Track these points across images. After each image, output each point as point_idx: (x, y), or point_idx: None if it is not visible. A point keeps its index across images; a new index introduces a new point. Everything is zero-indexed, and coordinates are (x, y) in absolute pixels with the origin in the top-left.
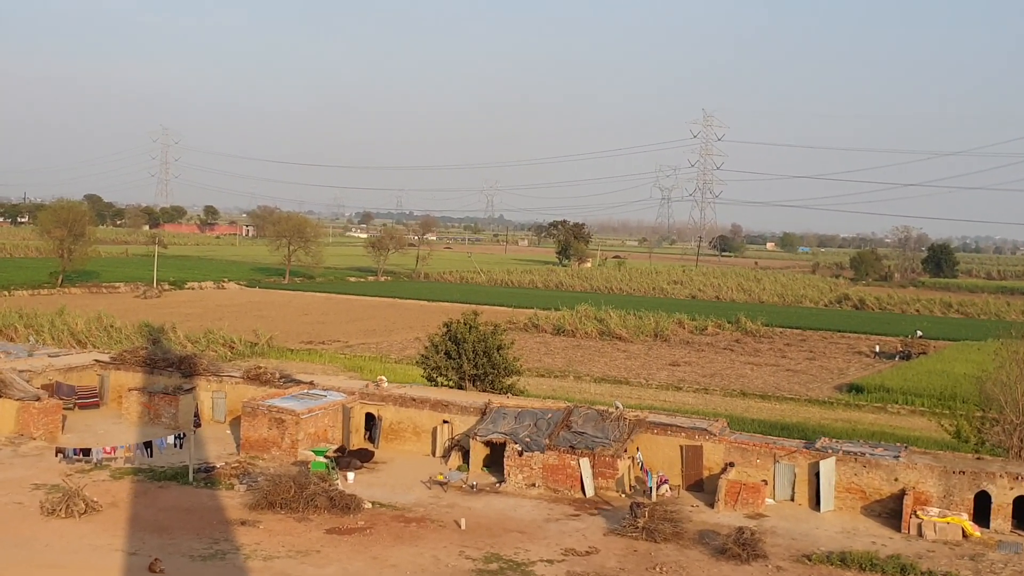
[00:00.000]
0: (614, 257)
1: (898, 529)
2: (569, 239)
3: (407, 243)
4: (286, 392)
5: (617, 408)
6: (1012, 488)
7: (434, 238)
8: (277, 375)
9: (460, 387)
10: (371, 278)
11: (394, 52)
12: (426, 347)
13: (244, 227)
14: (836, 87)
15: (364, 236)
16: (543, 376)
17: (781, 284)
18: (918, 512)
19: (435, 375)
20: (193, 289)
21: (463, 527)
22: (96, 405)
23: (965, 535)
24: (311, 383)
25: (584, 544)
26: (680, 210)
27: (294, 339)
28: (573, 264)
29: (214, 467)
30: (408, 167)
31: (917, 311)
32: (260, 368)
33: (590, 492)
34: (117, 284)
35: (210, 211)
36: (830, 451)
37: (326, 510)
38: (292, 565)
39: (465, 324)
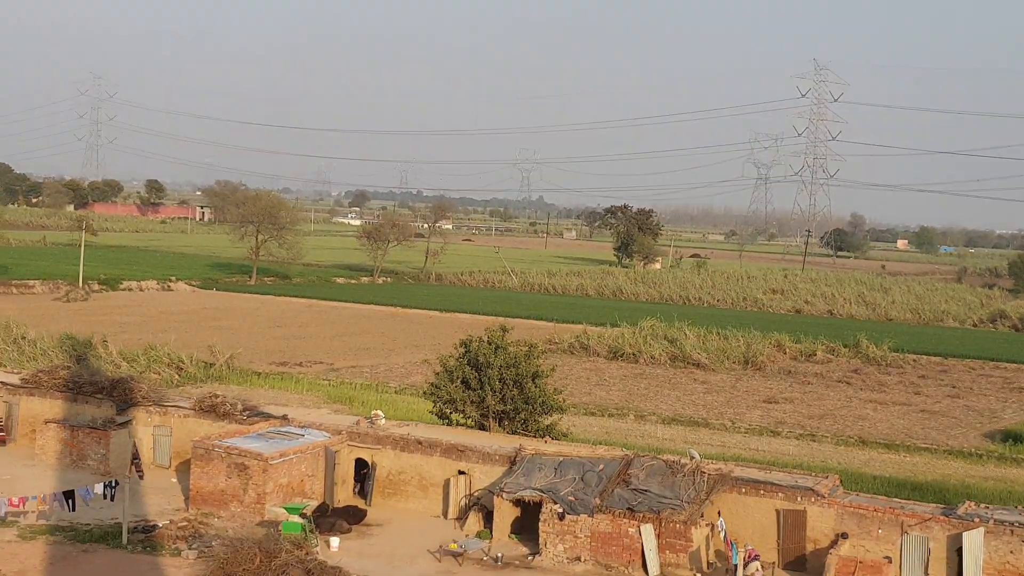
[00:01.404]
0: (692, 256)
1: None
2: (632, 231)
3: (414, 233)
4: (251, 429)
5: (692, 459)
6: None
7: (450, 227)
8: (239, 407)
9: (482, 427)
10: (365, 279)
11: None
12: (437, 373)
13: (198, 209)
14: (995, 32)
15: (357, 223)
16: (593, 414)
17: (916, 296)
18: None
19: (448, 411)
20: (131, 290)
21: None
22: (1, 442)
23: None
24: (284, 418)
25: None
26: (782, 194)
27: (262, 359)
28: (636, 265)
29: (155, 526)
30: (416, 132)
31: None
32: (217, 397)
33: (654, 570)
34: (31, 282)
35: (154, 187)
36: (977, 519)
37: None
38: None
39: (490, 343)
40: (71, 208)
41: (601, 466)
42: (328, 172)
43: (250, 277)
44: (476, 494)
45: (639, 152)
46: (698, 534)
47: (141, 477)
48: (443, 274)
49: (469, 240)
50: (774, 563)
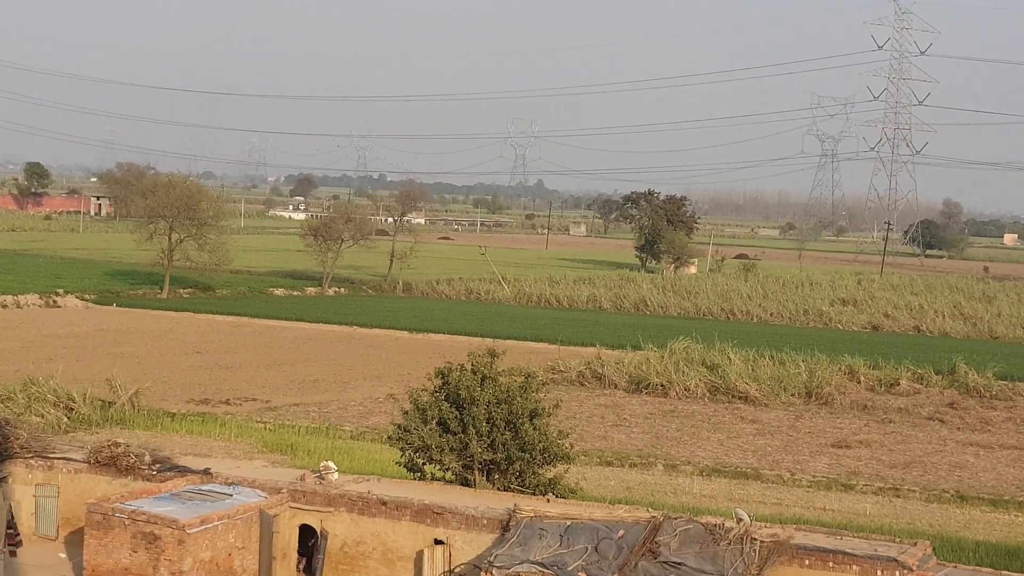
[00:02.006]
0: (738, 257)
1: None
2: (659, 225)
3: (374, 230)
4: (163, 488)
5: (740, 522)
6: None
7: (422, 221)
8: (147, 458)
9: (465, 482)
10: (312, 290)
11: None
12: (406, 412)
13: (93, 200)
14: None
15: (300, 217)
16: (610, 464)
17: None
18: None
19: (421, 461)
20: (5, 307)
21: None
22: None
23: None
24: (206, 473)
25: None
26: (854, 176)
27: (177, 395)
28: (665, 268)
29: None
30: (376, 98)
31: None
32: (118, 446)
33: None
34: None
35: (35, 173)
36: None
37: None
38: None
39: (475, 372)
40: None
41: (621, 532)
42: (263, 151)
43: (161, 289)
44: (458, 570)
45: (667, 122)
46: None
47: (14, 554)
48: (413, 283)
49: (447, 238)
50: None
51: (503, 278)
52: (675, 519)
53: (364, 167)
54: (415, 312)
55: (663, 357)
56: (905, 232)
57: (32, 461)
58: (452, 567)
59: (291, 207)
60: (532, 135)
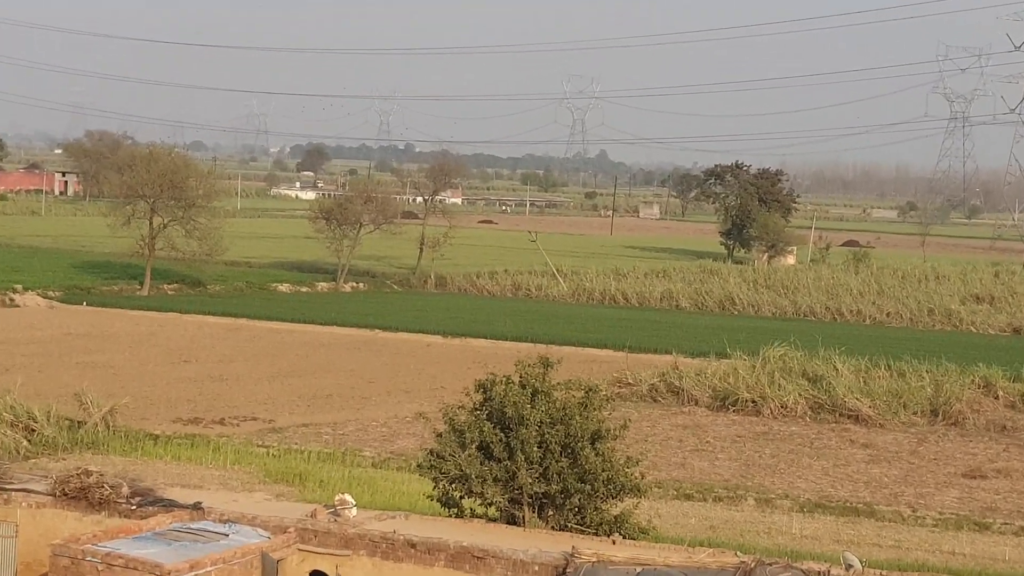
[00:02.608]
0: (847, 245)
1: None
2: (749, 205)
3: (400, 212)
4: (144, 527)
5: (850, 568)
6: None
7: (458, 202)
8: (125, 490)
9: (512, 520)
10: (324, 286)
11: None
12: (439, 435)
13: (58, 177)
14: None
15: (310, 197)
16: (690, 497)
17: None
18: None
19: (459, 494)
20: None
21: None
22: None
23: None
24: (197, 508)
25: None
26: (990, 145)
27: (162, 413)
28: (757, 258)
29: None
30: (402, 51)
31: None
32: (90, 475)
33: None
34: None
35: None
36: None
37: None
38: None
39: (524, 385)
40: None
41: None
42: (264, 117)
43: (141, 284)
44: None
45: (758, 79)
46: None
47: None
48: (448, 276)
49: (489, 222)
50: None
51: (558, 271)
52: (770, 565)
53: (388, 135)
54: (450, 312)
55: (754, 367)
56: None
57: None
58: None
59: (298, 184)
60: (593, 96)
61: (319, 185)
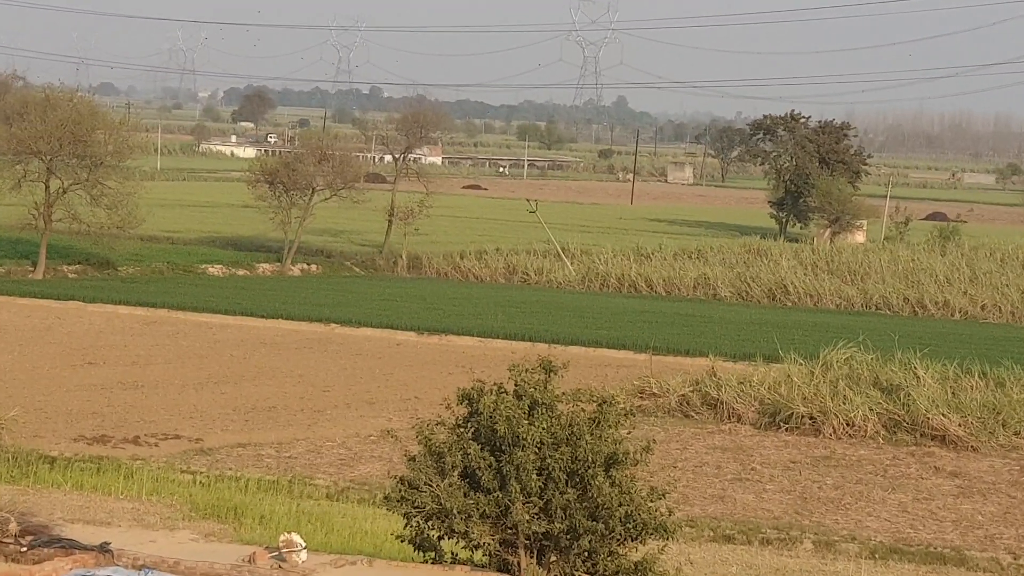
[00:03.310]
0: (931, 218)
1: None
2: (808, 167)
3: (363, 173)
4: (37, 572)
5: None
6: None
7: (438, 161)
8: (12, 526)
9: (505, 567)
10: (268, 268)
11: None
12: (412, 458)
13: None
14: None
15: (250, 154)
16: (731, 539)
17: None
18: None
19: (437, 533)
20: None
21: None
22: None
23: None
24: (104, 550)
25: None
26: None
27: (60, 429)
28: (818, 235)
29: None
30: None
31: None
32: None
33: None
34: None
35: None
36: None
37: None
38: None
39: (520, 396)
40: None
41: None
42: (191, 52)
43: (34, 265)
44: None
45: (816, 7)
46: None
47: None
48: (424, 256)
49: (477, 187)
50: None
51: (564, 250)
52: None
53: (348, 77)
54: (427, 302)
55: (813, 374)
56: None
57: None
58: None
59: (235, 139)
60: (608, 26)
61: (261, 140)
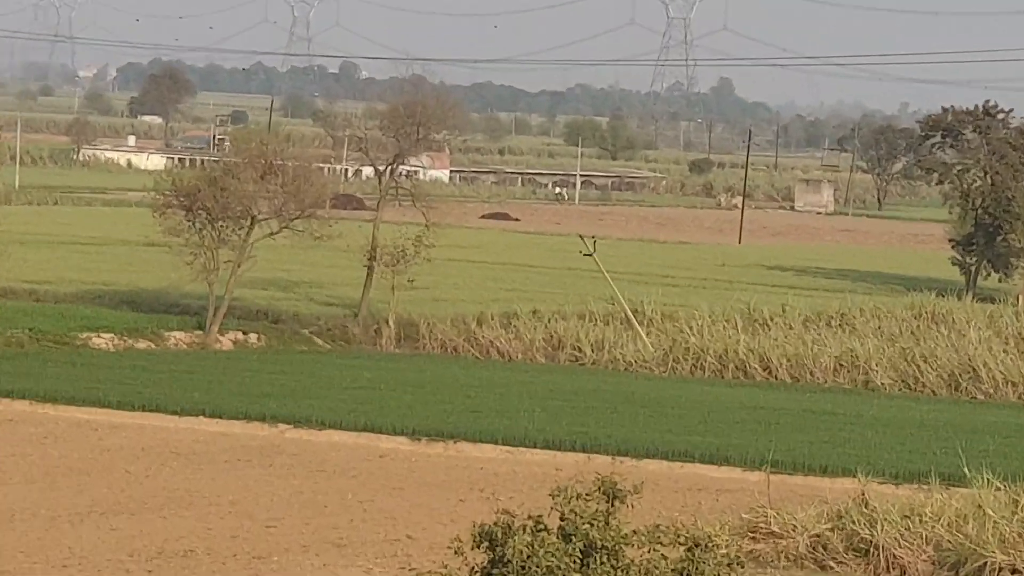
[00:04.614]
0: None
1: None
2: (1009, 188)
3: (329, 195)
4: None
5: None
6: None
7: (444, 175)
8: None
9: None
10: (182, 339)
11: None
12: None
13: None
14: None
15: (156, 163)
16: None
17: None
18: None
19: None
20: None
21: None
22: None
23: None
24: None
25: None
26: None
27: None
28: None
29: None
30: None
31: None
32: None
33: None
34: None
35: None
36: None
37: None
38: None
39: (567, 537)
40: None
41: None
42: (65, 7)
43: None
44: None
45: None
46: None
47: None
48: (423, 321)
49: (504, 216)
50: None
51: (635, 313)
52: None
53: (307, 47)
54: (426, 392)
55: (1017, 505)
56: None
57: None
58: None
59: (133, 140)
60: None
61: (177, 142)
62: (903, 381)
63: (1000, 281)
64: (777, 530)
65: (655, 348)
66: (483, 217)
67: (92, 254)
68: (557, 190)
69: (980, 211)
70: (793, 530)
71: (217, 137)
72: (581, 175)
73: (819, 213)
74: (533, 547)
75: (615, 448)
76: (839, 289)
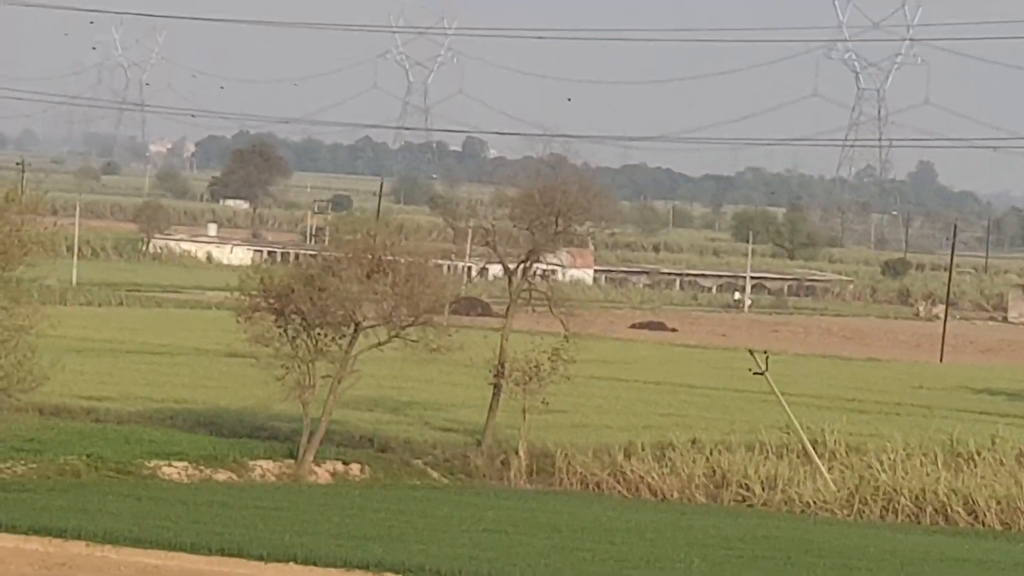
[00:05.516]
0: None
1: None
2: None
3: (449, 297)
4: None
5: None
6: None
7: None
8: None
9: None
10: (267, 466)
11: None
12: None
13: None
14: None
15: (242, 258)
16: None
17: None
18: None
19: None
20: None
21: None
22: None
23: None
24: None
25: None
26: None
27: None
28: None
29: None
30: None
31: None
32: None
33: None
34: None
35: None
36: None
37: None
38: None
39: None
40: None
41: None
42: (135, 68)
43: None
44: None
45: None
46: None
47: None
48: (561, 451)
49: (660, 326)
50: None
51: (815, 444)
52: None
53: (424, 120)
54: (563, 537)
55: None
56: None
57: None
58: None
59: (214, 229)
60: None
61: (263, 232)
62: None
63: None
64: None
65: (838, 487)
66: (633, 327)
67: (163, 366)
68: (736, 296)
69: None
70: None
71: (315, 227)
72: (752, 277)
73: None
74: None
75: None
76: None
